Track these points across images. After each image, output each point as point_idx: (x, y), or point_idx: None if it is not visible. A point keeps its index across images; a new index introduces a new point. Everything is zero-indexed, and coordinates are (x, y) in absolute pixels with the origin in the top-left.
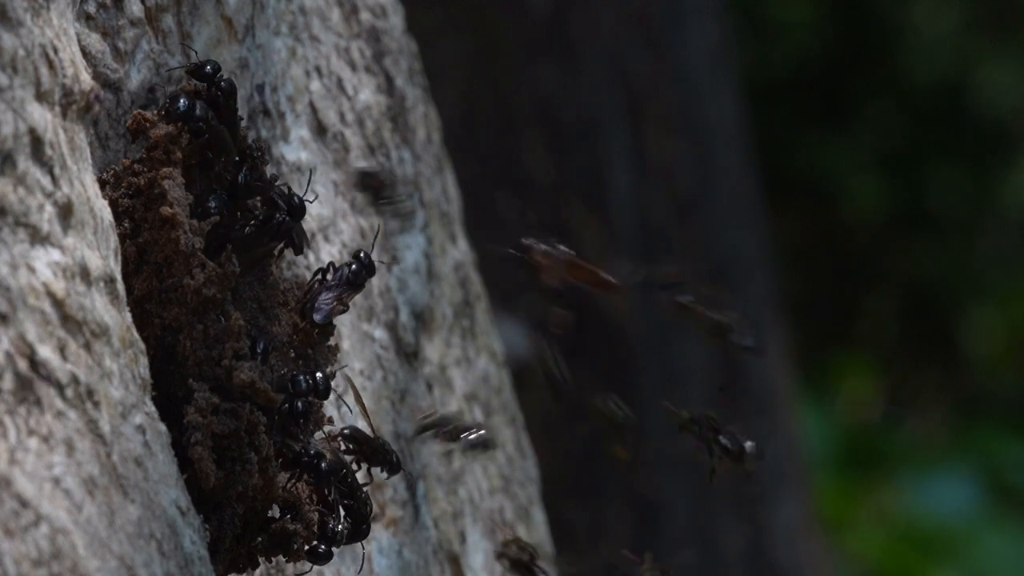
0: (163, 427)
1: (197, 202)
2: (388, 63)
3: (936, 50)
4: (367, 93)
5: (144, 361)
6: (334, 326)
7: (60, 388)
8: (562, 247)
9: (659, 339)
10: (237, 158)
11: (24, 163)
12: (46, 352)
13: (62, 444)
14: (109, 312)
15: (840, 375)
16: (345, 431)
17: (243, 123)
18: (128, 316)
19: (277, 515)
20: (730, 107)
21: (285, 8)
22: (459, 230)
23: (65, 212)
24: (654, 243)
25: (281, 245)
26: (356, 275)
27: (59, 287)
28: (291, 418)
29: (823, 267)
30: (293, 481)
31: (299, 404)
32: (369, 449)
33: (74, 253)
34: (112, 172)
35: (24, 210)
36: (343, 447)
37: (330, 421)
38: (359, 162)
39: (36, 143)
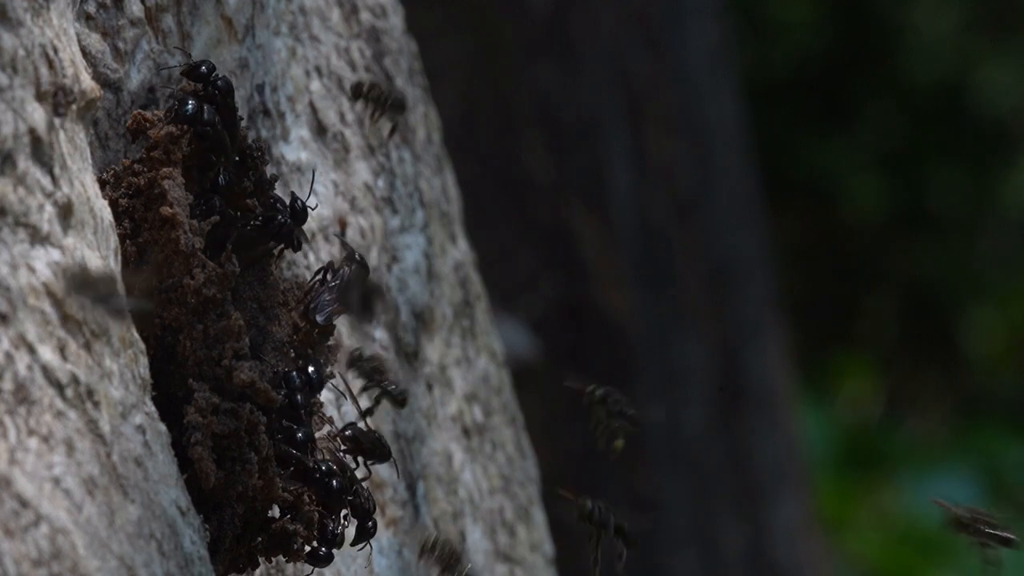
0: (163, 427)
1: (196, 202)
2: (388, 63)
3: (936, 50)
4: None
5: (144, 361)
6: (334, 326)
7: (60, 388)
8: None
9: (659, 339)
10: (237, 158)
11: (24, 163)
12: (46, 352)
13: (62, 444)
14: None
15: (840, 375)
16: (347, 431)
17: (243, 123)
18: (128, 319)
19: (277, 515)
20: (730, 107)
21: (285, 8)
22: (459, 230)
23: (65, 212)
24: (654, 243)
25: (281, 246)
26: (356, 275)
27: (59, 287)
28: (290, 412)
29: (823, 267)
30: (303, 494)
31: (299, 397)
32: (367, 443)
33: (74, 253)
34: (112, 172)
35: (24, 210)
36: (342, 447)
37: (330, 421)
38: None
39: (36, 143)
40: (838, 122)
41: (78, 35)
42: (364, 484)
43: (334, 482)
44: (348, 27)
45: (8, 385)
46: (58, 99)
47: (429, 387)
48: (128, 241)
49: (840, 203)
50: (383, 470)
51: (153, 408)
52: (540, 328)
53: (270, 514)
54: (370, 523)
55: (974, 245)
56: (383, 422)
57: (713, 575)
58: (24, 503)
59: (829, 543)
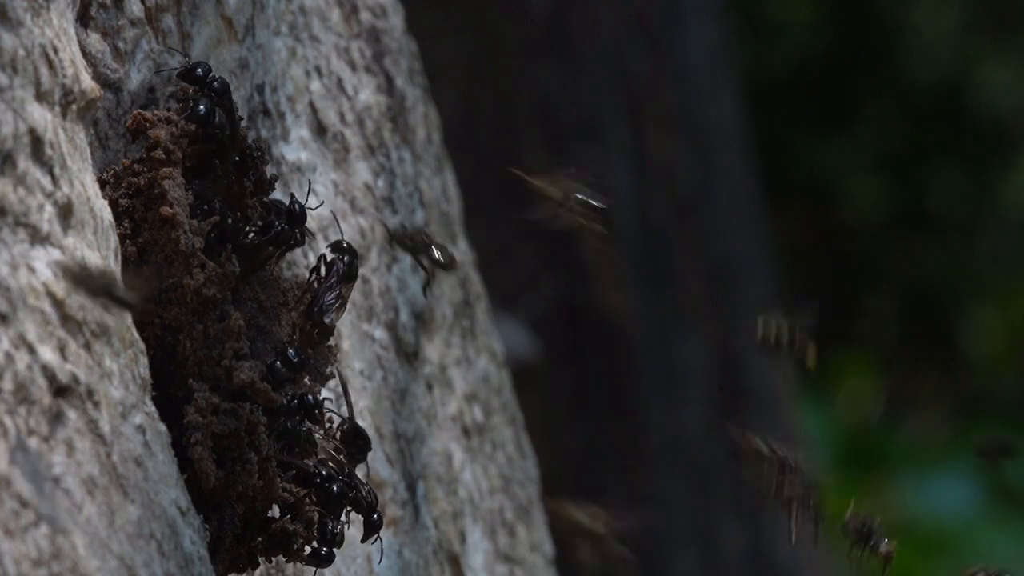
0: (163, 427)
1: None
2: (388, 63)
3: (936, 50)
4: (367, 93)
5: (144, 361)
6: (335, 326)
7: (60, 388)
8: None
9: (659, 339)
10: (237, 158)
11: (24, 163)
12: (46, 352)
13: (62, 444)
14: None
15: (840, 375)
16: (344, 427)
17: (243, 123)
18: (128, 316)
19: (277, 515)
20: (730, 107)
21: (285, 8)
22: (459, 230)
23: (65, 212)
24: (654, 243)
25: (282, 250)
26: (350, 267)
27: (59, 287)
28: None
29: (823, 267)
30: (304, 497)
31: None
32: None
33: (74, 253)
34: (112, 172)
35: (24, 210)
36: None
37: (330, 420)
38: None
39: (36, 143)
40: (838, 122)
41: (78, 35)
42: (363, 478)
43: (334, 487)
44: (348, 27)
45: (8, 385)
46: (58, 99)
47: (429, 387)
48: (128, 241)
49: (840, 203)
50: (383, 470)
51: (153, 408)
52: (540, 328)
53: (270, 514)
54: (375, 516)
55: (974, 245)
56: (383, 422)
57: (713, 575)
58: (24, 503)
59: (829, 543)
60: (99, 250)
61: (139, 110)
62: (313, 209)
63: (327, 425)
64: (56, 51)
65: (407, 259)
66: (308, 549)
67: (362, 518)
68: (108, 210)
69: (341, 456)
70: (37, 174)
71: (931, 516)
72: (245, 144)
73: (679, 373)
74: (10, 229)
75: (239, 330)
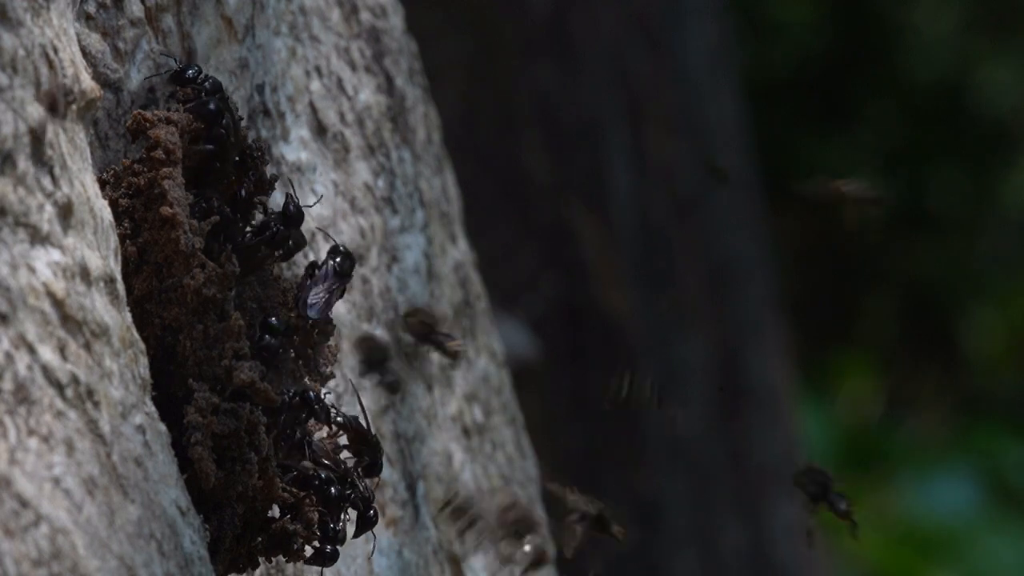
0: (163, 427)
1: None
2: (388, 63)
3: (936, 50)
4: (367, 93)
5: (144, 361)
6: (334, 325)
7: (60, 388)
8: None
9: (659, 339)
10: (237, 158)
11: (24, 163)
12: (46, 352)
13: (62, 444)
14: (109, 312)
15: (840, 375)
16: (338, 419)
17: (243, 123)
18: (128, 316)
19: (277, 515)
20: (730, 107)
21: (285, 8)
22: (459, 230)
23: (65, 212)
24: (654, 243)
25: (280, 252)
26: (341, 266)
27: (59, 287)
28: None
29: (823, 267)
30: (304, 498)
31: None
32: (363, 444)
33: (74, 253)
34: (112, 172)
35: (24, 210)
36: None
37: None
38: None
39: (36, 143)
40: (838, 122)
41: (78, 35)
42: (359, 474)
43: (332, 489)
44: (348, 27)
45: (8, 385)
46: (58, 99)
47: (429, 387)
48: (128, 241)
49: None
50: (383, 470)
51: (153, 408)
52: (540, 328)
53: (270, 514)
54: (371, 512)
55: (974, 245)
56: (383, 422)
57: (713, 575)
58: (24, 503)
59: (829, 543)
60: (99, 250)
61: (139, 110)
62: (310, 207)
63: (331, 426)
64: (56, 51)
65: (407, 259)
66: (308, 549)
67: (356, 514)
68: (108, 210)
69: (340, 456)
70: (37, 174)
71: (931, 516)
72: (245, 144)
73: (679, 373)
74: (10, 229)
75: (239, 330)
